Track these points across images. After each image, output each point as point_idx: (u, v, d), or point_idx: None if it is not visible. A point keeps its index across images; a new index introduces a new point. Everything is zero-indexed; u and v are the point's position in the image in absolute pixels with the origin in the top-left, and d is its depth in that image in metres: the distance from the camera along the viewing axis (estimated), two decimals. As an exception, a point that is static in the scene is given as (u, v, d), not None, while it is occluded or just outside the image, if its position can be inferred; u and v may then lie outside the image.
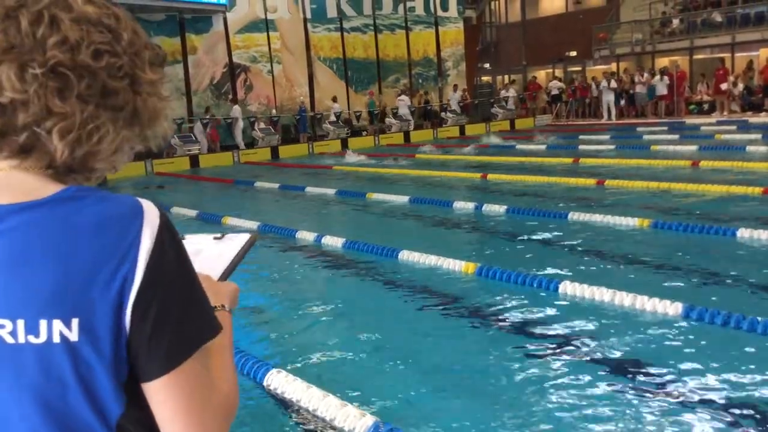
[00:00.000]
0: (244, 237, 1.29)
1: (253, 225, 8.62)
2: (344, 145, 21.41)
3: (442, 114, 25.02)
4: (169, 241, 0.88)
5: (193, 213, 9.90)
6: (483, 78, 33.68)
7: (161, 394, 0.86)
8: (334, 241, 7.28)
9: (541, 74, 30.29)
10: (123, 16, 0.93)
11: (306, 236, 7.68)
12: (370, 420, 3.09)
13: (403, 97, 24.34)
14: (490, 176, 11.82)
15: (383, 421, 3.10)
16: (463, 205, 9.09)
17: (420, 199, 10.00)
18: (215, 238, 1.29)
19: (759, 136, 14.53)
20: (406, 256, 6.35)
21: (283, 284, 6.20)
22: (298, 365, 4.03)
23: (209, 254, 1.24)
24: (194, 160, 18.75)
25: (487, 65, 34.60)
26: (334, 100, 23.26)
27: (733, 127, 16.76)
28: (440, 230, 8.22)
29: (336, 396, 3.39)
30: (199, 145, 19.45)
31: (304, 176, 14.15)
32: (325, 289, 6.03)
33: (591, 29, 27.66)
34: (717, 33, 23.60)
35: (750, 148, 12.61)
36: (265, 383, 3.68)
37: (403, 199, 10.00)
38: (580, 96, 25.20)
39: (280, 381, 3.63)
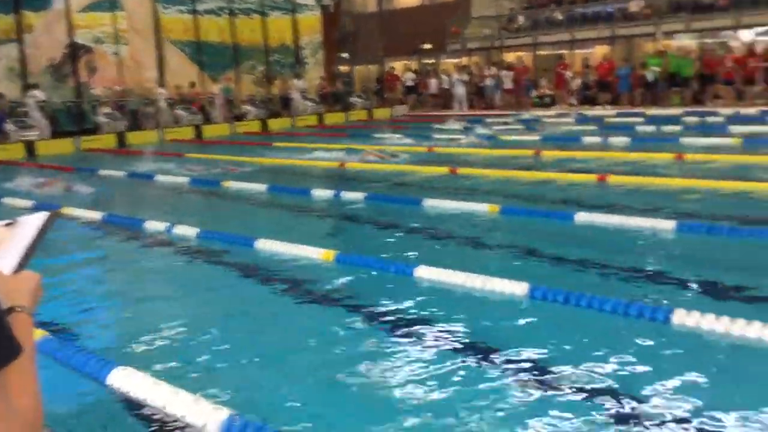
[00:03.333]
0: (40, 217, 1.15)
1: (97, 215, 8.09)
2: (198, 132, 20.66)
3: (302, 103, 24.81)
4: None
5: (28, 203, 9.12)
6: (341, 67, 33.77)
7: None
8: (186, 231, 6.99)
9: (398, 65, 30.83)
10: None
11: (156, 226, 7.31)
12: (224, 413, 2.98)
13: (295, 81, 24.01)
14: (349, 165, 11.88)
15: (238, 413, 3.00)
16: (322, 193, 9.06)
17: (277, 187, 9.85)
18: (6, 225, 1.14)
19: (594, 127, 15.67)
20: (263, 244, 6.21)
21: (130, 278, 5.87)
22: (146, 362, 3.81)
23: None
24: (30, 146, 17.30)
25: (345, 55, 34.70)
26: (192, 85, 22.38)
27: (572, 120, 17.97)
28: (298, 218, 8.14)
29: (188, 391, 3.24)
30: (38, 131, 17.95)
31: (155, 164, 13.48)
32: (176, 282, 5.77)
33: (444, 23, 28.54)
34: (558, 30, 25.16)
35: (586, 139, 13.57)
36: (108, 382, 3.44)
37: (260, 187, 9.81)
38: (434, 88, 25.95)
39: (125, 379, 3.41)
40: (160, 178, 11.39)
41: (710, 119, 15.65)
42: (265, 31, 25.62)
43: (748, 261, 5.26)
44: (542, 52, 26.59)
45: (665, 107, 18.93)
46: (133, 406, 3.29)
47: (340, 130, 20.52)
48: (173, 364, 3.83)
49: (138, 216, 7.96)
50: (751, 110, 16.44)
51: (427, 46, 30.31)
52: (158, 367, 3.73)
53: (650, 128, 14.81)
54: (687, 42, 21.73)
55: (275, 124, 22.56)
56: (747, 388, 3.18)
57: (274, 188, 9.75)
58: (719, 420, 2.87)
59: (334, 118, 23.98)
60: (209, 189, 10.39)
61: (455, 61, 28.29)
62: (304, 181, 10.57)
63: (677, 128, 14.47)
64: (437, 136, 16.05)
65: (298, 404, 3.29)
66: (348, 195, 8.66)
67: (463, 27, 28.88)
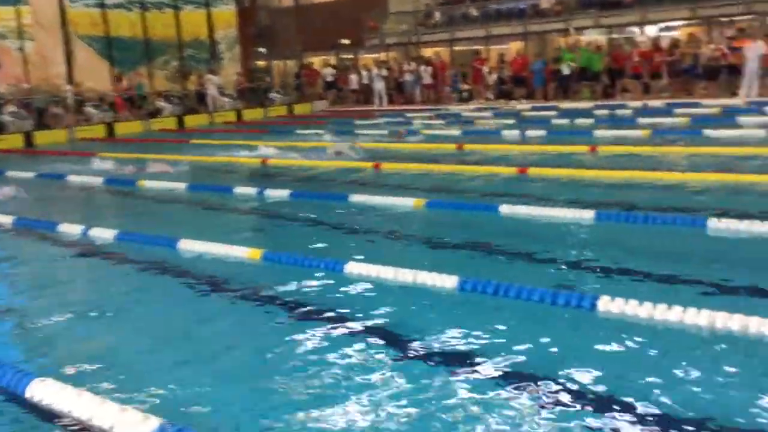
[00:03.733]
0: None
1: (7, 220, 7.65)
2: (110, 130, 19.88)
3: (219, 99, 24.26)
4: None
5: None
6: (258, 63, 33.23)
7: None
8: (103, 234, 6.70)
9: (317, 60, 30.61)
10: None
11: (70, 229, 6.97)
12: (155, 422, 2.86)
13: (210, 76, 23.35)
14: (271, 161, 11.70)
15: (170, 421, 2.88)
16: (245, 191, 8.88)
17: (198, 185, 9.60)
18: None
19: (511, 121, 16.04)
20: (186, 245, 6.03)
21: (46, 284, 5.57)
22: (68, 371, 3.62)
23: None
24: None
25: (262, 50, 34.16)
26: (119, 79, 21.57)
27: (489, 114, 18.34)
28: (222, 217, 7.95)
29: (114, 401, 3.09)
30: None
31: (65, 164, 12.86)
32: (95, 287, 5.52)
33: (362, 18, 28.53)
34: (473, 26, 25.59)
35: (504, 132, 13.88)
36: (28, 395, 3.25)
37: (179, 185, 9.52)
38: (355, 84, 25.93)
39: (46, 391, 3.23)
40: (73, 178, 10.89)
41: (620, 112, 16.29)
42: (178, 25, 24.90)
43: (665, 247, 5.49)
44: (459, 48, 26.99)
45: (577, 101, 19.59)
46: (55, 419, 3.11)
47: (259, 126, 20.21)
48: (95, 372, 3.65)
49: (51, 219, 7.58)
50: (658, 103, 17.22)
51: (346, 41, 30.24)
52: (79, 376, 3.55)
53: (564, 121, 15.28)
54: (597, 37, 22.55)
55: (192, 121, 21.99)
56: (669, 368, 3.31)
57: (195, 187, 9.49)
58: (646, 401, 2.97)
59: (252, 115, 23.59)
60: (125, 189, 10.01)
61: (374, 56, 28.34)
62: (226, 179, 10.34)
63: (590, 121, 15.00)
64: (360, 131, 16.04)
65: (230, 407, 3.20)
66: (273, 192, 8.53)
67: (380, 22, 28.96)
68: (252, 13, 30.16)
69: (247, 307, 4.60)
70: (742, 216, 5.72)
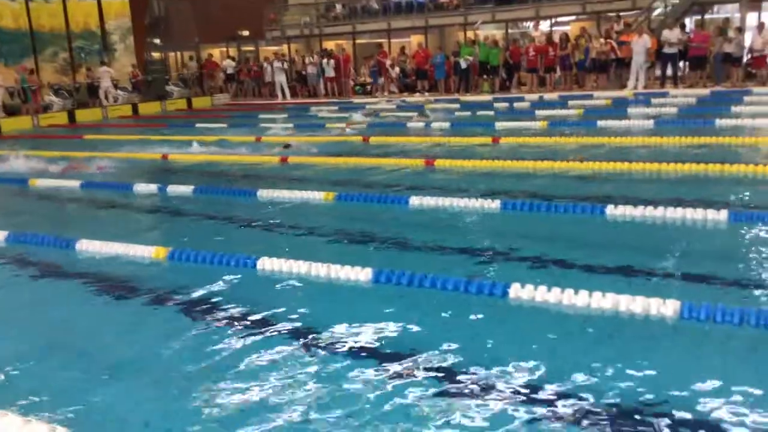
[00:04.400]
0: None
1: None
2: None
3: (114, 92, 23.21)
4: None
5: None
6: (154, 54, 32.04)
7: None
8: (-8, 236, 6.27)
9: (215, 52, 29.85)
10: None
11: (-46, 233, 6.48)
12: (61, 434, 2.70)
13: (103, 68, 22.21)
14: (172, 157, 11.31)
15: (76, 431, 2.73)
16: (145, 188, 8.54)
17: (94, 183, 9.15)
18: None
19: (414, 113, 16.22)
20: (85, 246, 5.73)
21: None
22: (-40, 386, 3.36)
23: None
24: None
25: (158, 41, 32.95)
26: (30, 72, 20.16)
27: (393, 106, 18.47)
28: (122, 216, 7.61)
29: (16, 412, 2.89)
30: None
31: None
32: (-15, 293, 5.15)
33: (262, 10, 28.05)
34: (375, 19, 25.70)
35: (410, 124, 14.03)
36: None
37: (73, 184, 9.04)
38: (254, 76, 25.48)
39: (-64, 409, 2.98)
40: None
41: (518, 104, 16.81)
42: (66, 15, 23.60)
43: (566, 234, 5.71)
44: (361, 41, 27.06)
45: (477, 94, 20.08)
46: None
47: (158, 120, 19.50)
48: (-8, 386, 3.41)
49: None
50: (553, 95, 17.90)
51: (245, 32, 29.65)
52: (-26, 391, 3.30)
53: (466, 114, 15.61)
54: (494, 32, 23.17)
55: (84, 116, 20.94)
56: (579, 352, 3.44)
57: (90, 185, 9.03)
58: (561, 384, 3.08)
59: (150, 108, 22.73)
60: (14, 188, 9.41)
61: (275, 48, 27.94)
62: (125, 176, 9.90)
63: (490, 113, 15.40)
64: (265, 125, 15.78)
65: (138, 414, 3.06)
66: (175, 189, 8.24)
67: (280, 14, 28.59)
68: (145, 3, 29.02)
69: (152, 307, 4.42)
70: (636, 202, 6.02)
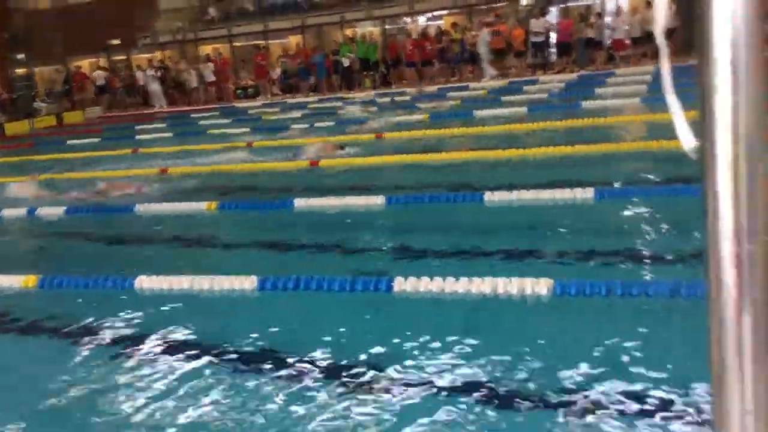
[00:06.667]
0: None
1: None
2: None
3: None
4: None
5: None
6: (18, 70, 30.12)
7: None
8: None
9: (84, 64, 28.43)
10: None
11: None
12: None
13: None
14: (42, 176, 10.66)
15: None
16: (13, 212, 8.00)
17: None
18: None
19: (299, 114, 16.13)
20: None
21: None
22: None
23: None
24: None
25: (21, 56, 30.99)
26: None
27: (277, 109, 18.29)
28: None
29: None
30: None
31: None
32: None
33: (132, 16, 26.96)
34: (251, 21, 25.31)
35: (293, 125, 13.91)
36: None
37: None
38: (127, 86, 24.50)
39: None
40: None
41: (399, 99, 17.06)
42: None
43: (449, 223, 5.85)
44: (239, 44, 26.56)
45: (360, 91, 20.21)
46: None
47: (25, 140, 18.34)
48: None
49: None
50: (433, 88, 18.29)
51: (116, 41, 28.42)
52: None
53: (350, 111, 15.68)
54: (371, 29, 23.39)
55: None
56: (464, 336, 3.54)
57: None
58: (453, 370, 3.16)
59: (17, 128, 21.34)
60: None
61: (148, 56, 26.94)
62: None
63: (373, 109, 15.54)
64: (140, 136, 15.20)
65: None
66: (46, 211, 7.78)
67: (152, 20, 27.59)
68: (5, 17, 27.23)
69: (25, 338, 4.17)
70: (511, 187, 6.25)
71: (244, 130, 14.46)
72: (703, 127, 0.84)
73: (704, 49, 0.83)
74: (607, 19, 18.62)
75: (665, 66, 0.99)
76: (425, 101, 15.56)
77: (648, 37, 17.50)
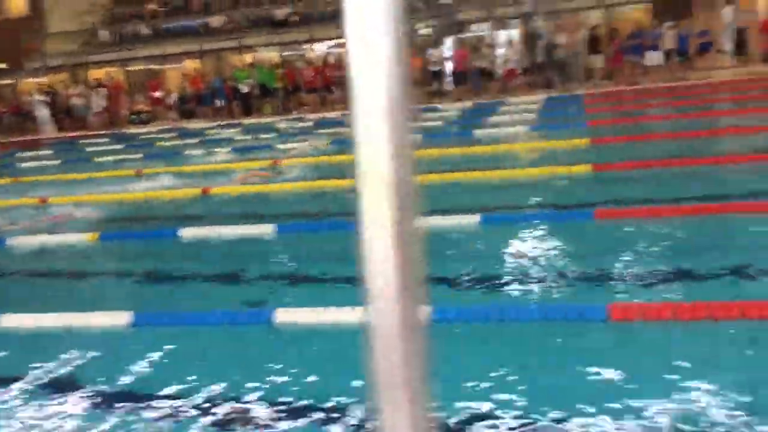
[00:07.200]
0: None
1: None
2: None
3: None
4: None
5: None
6: None
7: None
8: None
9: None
10: None
11: None
12: None
13: None
14: None
15: None
16: None
17: None
18: None
19: (197, 140, 15.75)
20: None
21: None
22: None
23: None
24: None
25: None
26: None
27: (175, 134, 17.80)
28: None
29: None
30: None
31: None
32: None
33: (19, 39, 25.66)
34: (146, 46, 24.66)
35: (188, 152, 13.55)
36: None
37: None
38: (14, 111, 23.24)
39: None
40: None
41: (300, 125, 16.99)
42: None
43: (337, 251, 5.80)
44: (134, 68, 25.78)
45: (260, 117, 20.01)
46: None
47: None
48: None
49: None
50: (333, 114, 18.34)
51: (2, 65, 26.94)
52: None
53: (248, 137, 15.47)
54: (271, 54, 23.28)
55: None
56: (346, 366, 3.48)
57: None
58: (333, 402, 3.08)
59: None
60: None
61: (37, 80, 25.68)
62: None
63: (272, 135, 15.39)
64: (23, 164, 14.39)
65: None
66: None
67: (40, 43, 26.37)
68: None
69: None
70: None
71: (135, 156, 13.94)
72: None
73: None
74: (500, 50, 19.37)
75: None
76: (326, 127, 15.56)
77: (537, 68, 18.39)
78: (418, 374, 0.89)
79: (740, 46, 17.33)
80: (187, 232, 6.55)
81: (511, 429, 2.76)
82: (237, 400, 3.22)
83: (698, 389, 2.86)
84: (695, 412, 2.72)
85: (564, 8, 20.19)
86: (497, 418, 2.85)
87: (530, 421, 2.79)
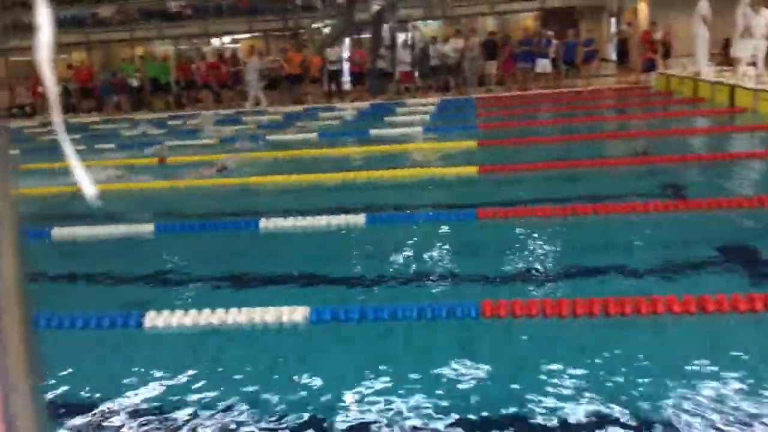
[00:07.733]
0: None
1: None
2: None
3: None
4: None
5: None
6: None
7: None
8: None
9: None
10: None
11: None
12: None
13: None
14: None
15: None
16: None
17: None
18: None
19: (78, 135, 14.95)
20: None
21: None
22: None
23: None
24: None
25: None
26: None
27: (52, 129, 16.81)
28: None
29: None
30: None
31: None
32: None
33: None
34: (28, 35, 23.20)
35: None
36: None
37: None
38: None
39: None
40: None
41: (193, 122, 16.47)
42: None
43: (224, 251, 5.64)
44: (17, 59, 24.21)
45: (152, 112, 19.27)
46: None
47: None
48: None
49: None
50: (229, 111, 17.92)
51: None
52: None
53: (136, 133, 14.85)
54: (164, 48, 22.50)
55: None
56: (223, 369, 3.36)
57: None
58: (250, 406, 2.96)
59: None
60: None
61: None
62: None
63: (163, 131, 14.85)
64: None
65: None
66: None
67: None
68: None
69: None
70: (289, 213, 6.18)
71: (13, 152, 13.05)
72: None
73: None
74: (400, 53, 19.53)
75: (58, 119, 1.03)
76: (218, 125, 15.17)
77: (433, 70, 18.71)
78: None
79: (623, 56, 18.29)
80: (59, 232, 6.18)
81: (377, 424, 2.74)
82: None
83: (570, 379, 2.95)
84: (570, 402, 2.80)
85: (458, 14, 20.67)
86: (372, 420, 2.83)
87: (403, 416, 2.78)
